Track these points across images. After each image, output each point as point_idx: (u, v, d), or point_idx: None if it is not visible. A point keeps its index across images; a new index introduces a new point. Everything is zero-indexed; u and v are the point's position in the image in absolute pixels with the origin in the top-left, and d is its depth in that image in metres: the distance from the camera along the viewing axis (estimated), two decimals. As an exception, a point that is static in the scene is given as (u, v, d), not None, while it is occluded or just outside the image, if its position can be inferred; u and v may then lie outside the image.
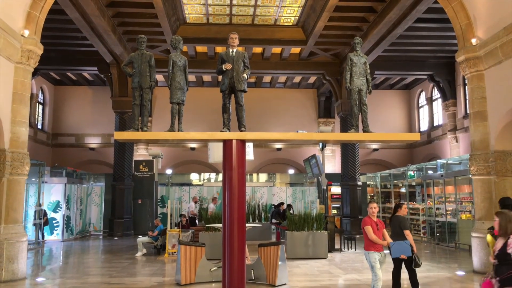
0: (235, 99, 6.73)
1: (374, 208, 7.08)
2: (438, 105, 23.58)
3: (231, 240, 6.19)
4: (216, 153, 9.99)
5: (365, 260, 12.34)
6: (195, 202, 18.40)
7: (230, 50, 6.77)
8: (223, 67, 6.67)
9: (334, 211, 21.96)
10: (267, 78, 24.68)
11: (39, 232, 16.55)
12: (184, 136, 6.58)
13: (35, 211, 16.56)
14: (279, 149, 25.78)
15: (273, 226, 17.54)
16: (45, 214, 16.96)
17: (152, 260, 12.72)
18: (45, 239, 16.82)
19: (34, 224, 16.61)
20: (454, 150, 21.14)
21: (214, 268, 9.23)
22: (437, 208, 16.61)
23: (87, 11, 14.27)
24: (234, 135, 6.31)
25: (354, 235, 16.61)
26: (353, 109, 6.92)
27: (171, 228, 13.82)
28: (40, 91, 23.93)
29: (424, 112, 25.34)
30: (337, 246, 14.74)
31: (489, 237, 5.28)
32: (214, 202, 17.95)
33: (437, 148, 23.33)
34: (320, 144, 15.66)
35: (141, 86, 6.69)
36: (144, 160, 21.16)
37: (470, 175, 11.77)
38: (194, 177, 25.06)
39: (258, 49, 20.44)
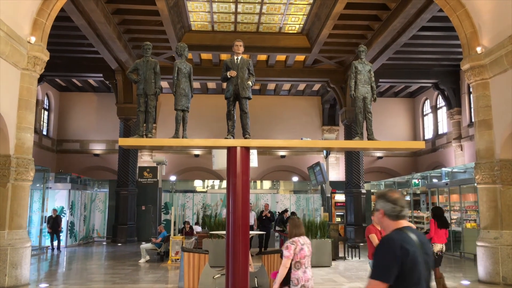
0: (239, 106, 6.73)
1: None
2: (442, 113, 23.52)
3: (235, 247, 6.17)
4: (220, 160, 9.97)
5: (369, 269, 12.28)
6: None
7: (235, 57, 6.78)
8: (227, 74, 6.67)
9: (338, 219, 21.88)
10: (271, 86, 24.72)
11: (53, 240, 16.61)
12: (188, 143, 6.58)
13: (49, 218, 16.63)
14: (283, 157, 25.75)
15: (276, 234, 17.47)
16: (61, 220, 17.09)
17: (155, 267, 12.70)
18: (51, 246, 16.81)
19: (49, 232, 16.64)
20: (459, 158, 21.06)
21: (217, 276, 9.19)
22: (442, 217, 16.50)
23: (93, 18, 14.38)
24: (238, 142, 6.31)
25: (358, 243, 16.52)
26: (358, 116, 6.90)
27: (174, 234, 13.80)
28: (46, 97, 24.07)
29: (428, 120, 25.27)
30: (341, 254, 14.68)
31: None
32: None
33: (441, 157, 23.23)
34: (324, 151, 15.63)
35: (146, 93, 6.70)
36: (148, 167, 21.22)
37: (475, 184, 11.72)
38: (198, 183, 25.06)
39: (262, 57, 20.51)
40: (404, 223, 2.87)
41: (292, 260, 4.99)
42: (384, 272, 2.63)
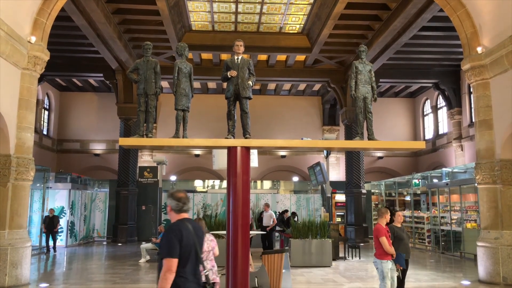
0: (240, 106, 6.72)
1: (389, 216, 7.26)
2: (443, 113, 23.52)
3: (235, 247, 6.16)
4: (220, 160, 9.95)
5: (369, 269, 12.28)
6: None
7: (236, 57, 6.76)
8: (228, 74, 6.66)
9: (338, 219, 21.87)
10: (272, 86, 24.72)
11: (48, 240, 16.42)
12: (189, 142, 6.56)
13: (46, 218, 16.47)
14: (283, 157, 25.75)
15: (277, 234, 17.47)
16: (58, 221, 16.77)
17: (155, 267, 12.67)
18: (51, 246, 16.53)
19: (45, 232, 16.41)
20: (459, 158, 21.05)
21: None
22: (442, 217, 16.50)
23: (94, 18, 14.38)
24: (238, 142, 6.30)
25: (358, 243, 16.51)
26: (358, 116, 6.89)
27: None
28: (46, 97, 24.07)
29: (429, 120, 25.27)
30: (341, 254, 14.67)
31: None
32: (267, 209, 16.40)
33: (442, 157, 23.23)
34: (325, 151, 15.63)
35: (146, 93, 6.69)
36: (148, 167, 21.20)
37: (476, 184, 11.71)
38: (198, 183, 25.06)
39: (263, 57, 20.50)
40: (185, 215, 3.86)
41: None
42: (172, 250, 3.59)
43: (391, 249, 6.88)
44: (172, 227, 3.77)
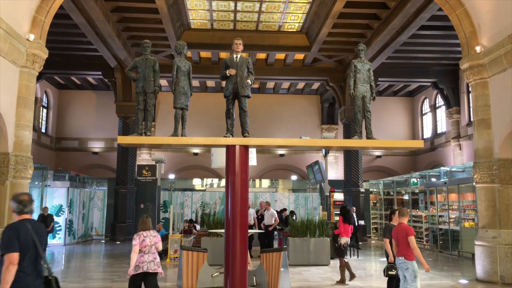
0: (238, 104, 6.72)
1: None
2: (441, 112, 23.54)
3: (234, 246, 6.17)
4: (219, 159, 9.96)
5: (368, 267, 12.30)
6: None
7: (234, 56, 6.76)
8: (227, 72, 6.66)
9: (337, 218, 21.88)
10: (270, 84, 24.71)
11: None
12: (187, 141, 6.57)
13: (40, 216, 16.30)
14: (282, 155, 25.75)
15: (275, 232, 17.46)
16: (52, 220, 16.19)
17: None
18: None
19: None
20: (458, 157, 21.07)
21: (216, 274, 9.19)
22: (440, 216, 16.53)
23: (92, 16, 14.35)
24: (237, 141, 6.31)
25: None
26: (357, 115, 6.90)
27: (173, 233, 13.79)
28: (44, 95, 24.02)
29: (427, 120, 25.29)
30: (339, 253, 14.66)
31: None
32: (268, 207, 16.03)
33: (440, 156, 23.25)
34: (323, 150, 15.63)
35: (145, 91, 6.69)
36: (147, 165, 21.18)
37: (474, 183, 11.74)
38: (196, 182, 25.06)
39: (262, 55, 20.49)
40: (26, 216, 4.27)
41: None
42: (11, 246, 4.04)
43: (417, 250, 6.91)
44: (9, 226, 4.25)
